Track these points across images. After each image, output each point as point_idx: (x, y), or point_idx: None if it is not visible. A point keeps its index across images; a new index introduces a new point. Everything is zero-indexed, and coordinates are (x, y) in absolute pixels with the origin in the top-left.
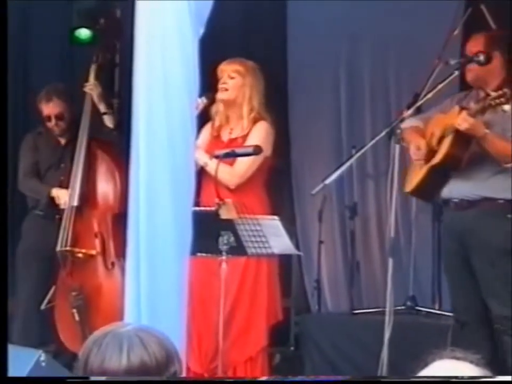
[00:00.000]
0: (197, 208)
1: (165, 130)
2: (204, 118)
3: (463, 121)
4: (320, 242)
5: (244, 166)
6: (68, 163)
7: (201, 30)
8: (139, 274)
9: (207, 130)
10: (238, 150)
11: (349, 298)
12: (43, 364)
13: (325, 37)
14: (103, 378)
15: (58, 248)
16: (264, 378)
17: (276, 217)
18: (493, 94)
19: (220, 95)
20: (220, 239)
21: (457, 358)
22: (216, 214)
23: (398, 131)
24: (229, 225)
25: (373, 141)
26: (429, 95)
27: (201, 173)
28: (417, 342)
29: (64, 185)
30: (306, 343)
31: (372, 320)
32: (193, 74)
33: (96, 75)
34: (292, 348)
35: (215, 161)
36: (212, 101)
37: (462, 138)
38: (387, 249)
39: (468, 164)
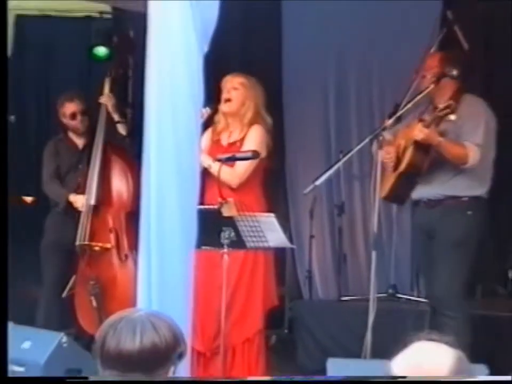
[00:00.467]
0: (201, 206)
1: (173, 137)
2: (206, 125)
3: (419, 132)
4: (311, 236)
5: (243, 167)
6: (85, 166)
7: (206, 48)
8: (150, 265)
9: (208, 135)
10: (238, 155)
11: (337, 286)
12: (64, 345)
13: (316, 53)
14: (103, 378)
15: (77, 242)
16: (264, 378)
17: (272, 214)
18: (440, 106)
19: (223, 106)
20: (222, 234)
21: (433, 340)
22: (218, 211)
23: (380, 138)
24: (230, 221)
25: (358, 146)
26: (408, 106)
27: (204, 174)
28: (397, 325)
29: (82, 187)
30: (299, 326)
31: (357, 306)
32: (198, 87)
33: (110, 88)
34: (286, 331)
35: (217, 163)
36: (214, 111)
37: (420, 147)
38: (371, 243)
39: (430, 168)
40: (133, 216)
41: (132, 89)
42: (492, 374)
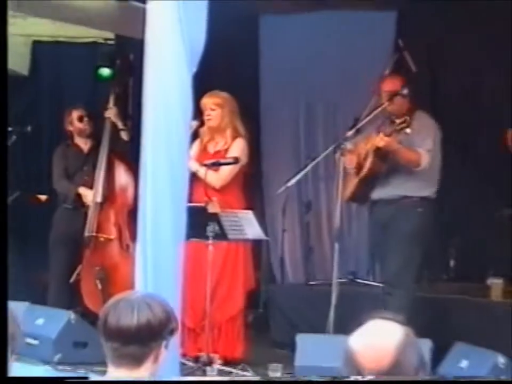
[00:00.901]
0: (190, 204)
1: (166, 145)
2: (195, 135)
3: (380, 140)
4: (283, 230)
5: (226, 172)
6: (90, 166)
7: (194, 69)
8: (146, 254)
9: (196, 145)
10: (222, 161)
11: (304, 272)
12: (73, 321)
13: (289, 74)
14: (103, 378)
15: (86, 234)
16: (264, 378)
17: (250, 211)
18: (397, 121)
19: (207, 123)
20: (208, 227)
21: (385, 318)
22: (204, 208)
23: (342, 147)
24: (214, 217)
25: (324, 154)
26: (366, 120)
27: (193, 177)
28: (356, 306)
29: (88, 184)
30: (272, 306)
31: (322, 289)
32: (188, 102)
33: (114, 102)
34: (261, 310)
35: (204, 168)
36: (201, 123)
37: (380, 155)
38: (334, 236)
39: (387, 173)
40: (133, 212)
41: (131, 103)
42: (435, 347)
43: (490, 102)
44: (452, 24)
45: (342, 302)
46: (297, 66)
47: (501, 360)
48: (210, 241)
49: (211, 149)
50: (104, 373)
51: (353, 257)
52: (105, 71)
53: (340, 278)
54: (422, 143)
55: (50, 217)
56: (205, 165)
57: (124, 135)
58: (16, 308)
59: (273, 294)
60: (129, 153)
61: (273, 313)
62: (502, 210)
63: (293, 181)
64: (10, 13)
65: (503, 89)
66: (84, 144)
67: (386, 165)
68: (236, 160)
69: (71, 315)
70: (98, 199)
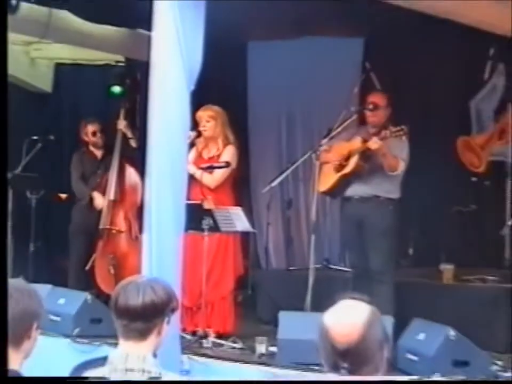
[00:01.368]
0: (188, 201)
1: (168, 152)
2: (192, 144)
3: (373, 144)
4: (268, 224)
5: (219, 174)
6: (103, 170)
7: (192, 87)
8: (151, 244)
9: (193, 151)
10: (215, 165)
11: (286, 260)
12: (89, 301)
13: (273, 91)
14: (103, 378)
15: (100, 226)
16: (263, 378)
17: (239, 207)
18: (393, 129)
19: (203, 134)
20: (203, 221)
21: (354, 299)
22: (201, 205)
23: (318, 152)
24: (209, 212)
25: (302, 158)
26: (338, 130)
27: (191, 178)
28: (329, 288)
29: (100, 186)
30: (258, 288)
31: (301, 274)
32: (186, 116)
33: (124, 116)
34: (250, 291)
35: (200, 171)
36: (198, 134)
37: (364, 156)
38: (310, 228)
39: (368, 173)
40: (141, 208)
41: (139, 116)
42: (396, 324)
43: (442, 113)
44: (410, 48)
45: (318, 284)
46: (280, 84)
47: (452, 333)
48: (205, 233)
49: (205, 155)
50: (116, 345)
51: (327, 246)
52: (116, 89)
53: (316, 264)
54: (400, 152)
55: (70, 213)
56: (201, 168)
57: (133, 143)
58: (40, 289)
59: (259, 278)
60: (137, 158)
61: (259, 294)
62: (453, 208)
63: (276, 181)
64: (36, 39)
65: (453, 102)
66: (97, 151)
67: (367, 165)
68: (227, 164)
69: (87, 296)
70: (111, 197)
